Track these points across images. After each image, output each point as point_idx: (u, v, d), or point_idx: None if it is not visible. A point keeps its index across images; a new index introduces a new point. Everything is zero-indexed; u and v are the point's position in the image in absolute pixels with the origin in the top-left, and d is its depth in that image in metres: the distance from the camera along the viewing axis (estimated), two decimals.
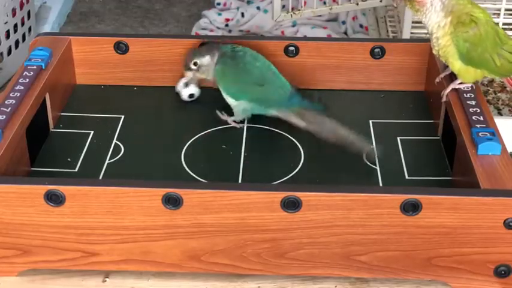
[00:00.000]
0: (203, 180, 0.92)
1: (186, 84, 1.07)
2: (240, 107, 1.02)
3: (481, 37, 0.93)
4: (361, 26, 2.19)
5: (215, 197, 0.79)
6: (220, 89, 1.03)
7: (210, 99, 1.09)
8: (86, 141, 0.99)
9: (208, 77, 1.04)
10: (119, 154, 0.97)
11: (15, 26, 2.07)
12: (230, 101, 1.02)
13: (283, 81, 1.02)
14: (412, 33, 1.62)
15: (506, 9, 1.63)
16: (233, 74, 1.02)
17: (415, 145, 1.00)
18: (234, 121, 1.03)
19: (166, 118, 1.05)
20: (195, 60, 1.03)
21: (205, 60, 1.02)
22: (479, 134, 0.88)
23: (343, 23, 2.22)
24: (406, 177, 0.93)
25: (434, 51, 0.97)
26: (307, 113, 0.99)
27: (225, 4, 2.35)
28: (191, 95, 1.07)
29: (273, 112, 1.01)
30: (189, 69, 1.03)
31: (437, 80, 1.01)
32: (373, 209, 0.79)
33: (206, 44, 1.04)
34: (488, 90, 1.75)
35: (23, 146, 0.92)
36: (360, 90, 1.11)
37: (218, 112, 1.04)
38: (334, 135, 0.96)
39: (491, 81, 1.79)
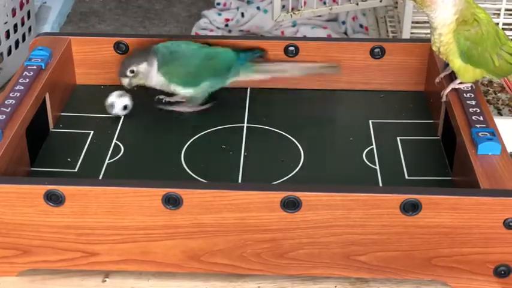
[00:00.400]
0: (203, 180, 0.92)
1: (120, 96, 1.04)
2: (202, 93, 1.04)
3: (482, 36, 0.93)
4: (361, 26, 2.19)
5: (215, 197, 0.79)
6: (175, 87, 1.04)
7: (210, 98, 1.09)
8: (86, 141, 0.99)
9: (146, 83, 1.03)
10: (118, 154, 0.97)
11: (15, 26, 2.07)
12: (190, 91, 1.04)
13: (222, 48, 1.05)
14: (412, 33, 1.62)
15: (506, 9, 1.63)
16: (183, 65, 1.03)
17: (415, 145, 1.00)
18: (200, 105, 1.05)
19: (167, 118, 1.05)
20: (131, 68, 1.02)
21: (142, 67, 1.02)
22: (479, 134, 0.88)
23: (343, 23, 2.22)
24: (406, 177, 0.93)
25: (434, 48, 0.96)
26: (262, 66, 1.05)
27: (225, 4, 2.35)
28: (125, 107, 1.04)
29: (234, 78, 1.05)
30: (125, 76, 1.03)
31: (437, 80, 1.01)
32: (373, 209, 0.79)
33: (140, 50, 1.04)
34: (488, 90, 1.75)
35: (23, 146, 0.92)
36: (360, 90, 1.11)
37: (177, 108, 1.05)
38: (297, 72, 1.06)
39: (491, 81, 1.79)
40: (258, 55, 1.07)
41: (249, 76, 1.06)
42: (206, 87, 1.04)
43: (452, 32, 0.93)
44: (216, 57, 1.04)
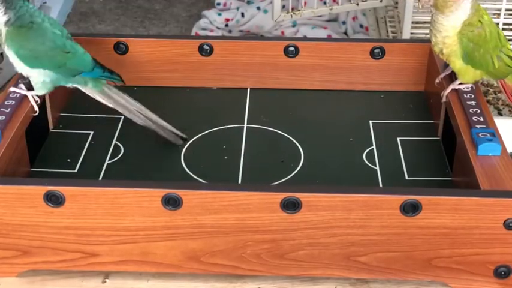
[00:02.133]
0: (203, 181, 0.92)
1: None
2: (39, 78, 0.95)
3: (485, 38, 0.93)
4: (361, 26, 2.19)
5: (215, 197, 0.79)
6: (11, 54, 0.94)
7: (210, 99, 1.09)
8: (86, 142, 0.99)
9: None
10: (118, 154, 0.97)
11: None
12: (25, 69, 0.94)
13: (83, 50, 0.97)
14: (412, 33, 1.62)
15: (506, 9, 1.62)
16: (33, 37, 0.93)
17: (415, 145, 1.00)
18: (35, 96, 0.96)
19: (166, 118, 1.05)
20: None
21: None
22: (480, 134, 0.88)
23: (343, 23, 2.22)
24: (406, 177, 0.93)
25: (436, 49, 0.96)
26: (112, 93, 0.99)
27: (225, 4, 2.35)
28: None
29: (75, 84, 0.97)
30: None
31: (437, 80, 1.01)
32: (373, 210, 0.79)
33: None
34: (488, 90, 1.75)
35: (23, 147, 0.92)
36: (360, 90, 1.11)
37: (13, 88, 0.96)
38: (141, 117, 0.98)
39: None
40: (113, 79, 0.99)
41: (93, 92, 0.98)
42: (42, 76, 0.95)
43: (457, 34, 0.93)
44: (72, 53, 0.95)
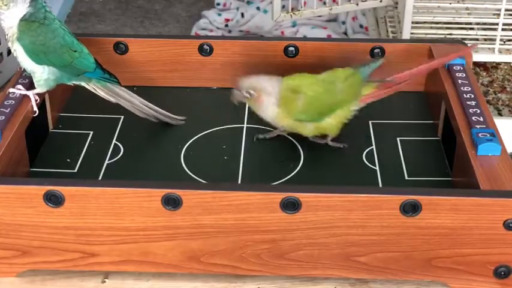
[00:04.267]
0: (203, 181, 0.92)
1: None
2: (43, 75, 0.95)
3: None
4: (361, 26, 2.19)
5: (214, 197, 0.79)
6: (20, 50, 0.94)
7: (210, 99, 1.09)
8: (86, 142, 0.99)
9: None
10: (118, 155, 0.97)
11: None
12: (31, 65, 0.94)
13: (87, 50, 0.98)
14: (412, 33, 1.62)
15: (506, 10, 1.62)
16: (44, 32, 0.93)
17: (415, 146, 1.00)
18: (35, 95, 0.96)
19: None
20: None
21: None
22: (479, 134, 0.88)
23: (343, 23, 2.22)
24: (406, 177, 0.93)
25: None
26: (114, 89, 1.00)
27: (224, 4, 2.35)
28: None
29: (77, 82, 0.98)
30: None
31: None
32: (373, 210, 0.79)
33: None
34: (488, 90, 1.75)
35: (22, 147, 0.92)
36: None
37: (12, 89, 0.96)
38: (143, 110, 1.01)
39: (492, 81, 1.79)
40: (112, 81, 0.99)
41: (96, 88, 0.99)
42: (46, 73, 0.95)
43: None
44: (78, 53, 0.96)
